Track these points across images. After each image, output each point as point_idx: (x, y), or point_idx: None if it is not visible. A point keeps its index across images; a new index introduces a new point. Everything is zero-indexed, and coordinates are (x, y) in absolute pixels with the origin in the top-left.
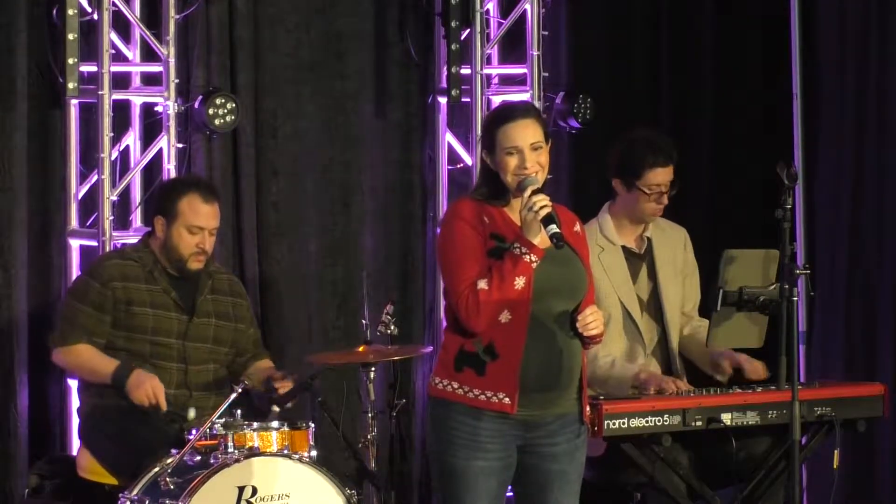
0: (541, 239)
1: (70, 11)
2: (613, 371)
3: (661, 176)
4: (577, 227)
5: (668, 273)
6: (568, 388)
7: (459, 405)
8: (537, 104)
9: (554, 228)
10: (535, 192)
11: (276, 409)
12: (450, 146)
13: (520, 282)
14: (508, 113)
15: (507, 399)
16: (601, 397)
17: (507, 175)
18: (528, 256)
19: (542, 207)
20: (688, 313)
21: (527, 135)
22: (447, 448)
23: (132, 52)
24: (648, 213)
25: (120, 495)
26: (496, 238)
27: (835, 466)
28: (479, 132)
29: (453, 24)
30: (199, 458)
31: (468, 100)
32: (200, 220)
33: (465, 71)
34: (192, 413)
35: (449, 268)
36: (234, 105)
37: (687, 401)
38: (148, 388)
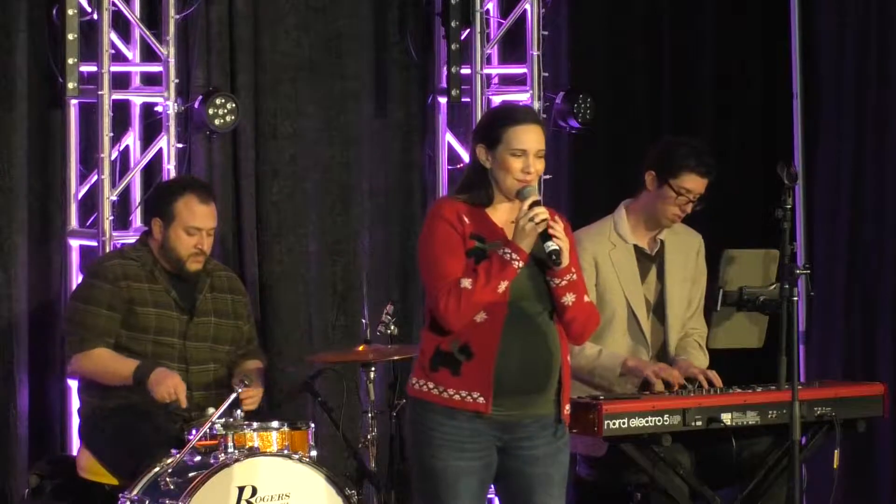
0: (526, 245)
1: (70, 11)
2: (600, 360)
3: (695, 184)
4: (558, 223)
5: (676, 278)
6: (546, 390)
7: (435, 405)
8: (537, 104)
9: (552, 245)
10: (535, 204)
11: (210, 411)
12: (450, 146)
13: (503, 285)
14: (519, 114)
15: (481, 398)
16: (601, 397)
17: (507, 175)
18: (516, 263)
19: (542, 221)
20: (685, 319)
21: (535, 140)
22: (426, 449)
23: (132, 52)
24: (668, 216)
25: (120, 495)
26: (476, 238)
27: (835, 466)
28: None
29: (453, 24)
30: (199, 458)
31: (468, 100)
32: (198, 221)
33: (465, 71)
34: (210, 410)
35: (430, 265)
36: (234, 105)
37: (687, 401)
38: (170, 384)
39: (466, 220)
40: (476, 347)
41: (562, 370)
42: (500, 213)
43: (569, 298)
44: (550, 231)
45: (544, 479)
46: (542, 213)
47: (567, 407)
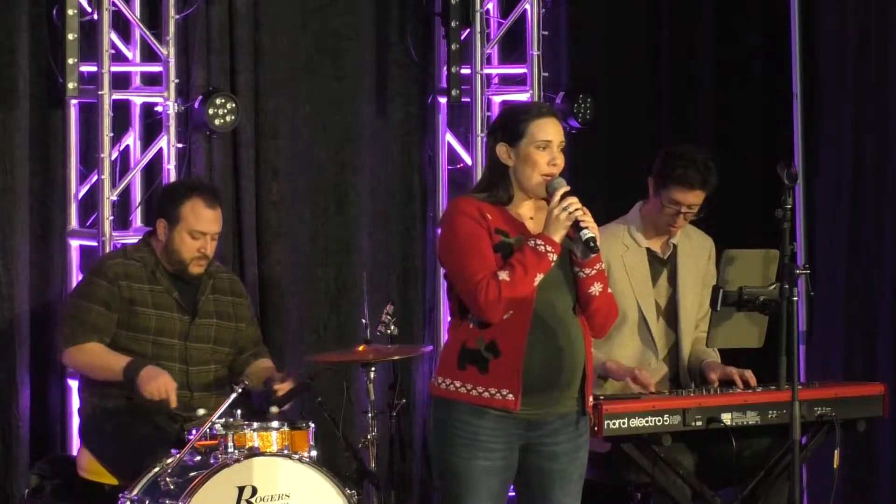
0: (559, 237)
1: (70, 11)
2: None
3: (682, 196)
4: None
5: (688, 282)
6: (570, 388)
7: (462, 404)
8: None
9: (588, 233)
10: (566, 194)
11: (274, 410)
12: (450, 146)
13: (539, 278)
14: (537, 109)
15: (510, 395)
16: (601, 397)
17: (533, 170)
18: (551, 255)
19: (576, 210)
20: (697, 321)
21: (557, 132)
22: (449, 447)
23: (132, 52)
24: (664, 224)
25: (120, 495)
26: (501, 233)
27: (835, 466)
28: (479, 132)
29: (453, 24)
30: (199, 458)
31: (468, 100)
32: (203, 225)
33: (465, 71)
34: (201, 411)
35: (460, 261)
36: (234, 105)
37: (687, 401)
38: (160, 383)
39: (489, 215)
40: (503, 345)
41: (585, 364)
42: (521, 211)
43: (596, 288)
44: (582, 220)
45: (563, 475)
46: (574, 202)
47: (591, 399)
